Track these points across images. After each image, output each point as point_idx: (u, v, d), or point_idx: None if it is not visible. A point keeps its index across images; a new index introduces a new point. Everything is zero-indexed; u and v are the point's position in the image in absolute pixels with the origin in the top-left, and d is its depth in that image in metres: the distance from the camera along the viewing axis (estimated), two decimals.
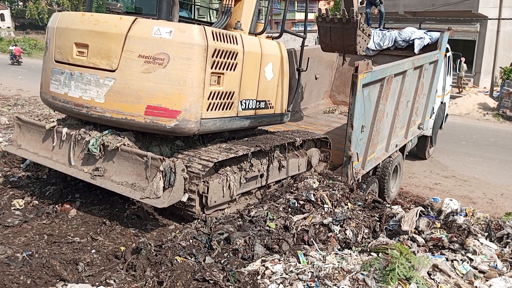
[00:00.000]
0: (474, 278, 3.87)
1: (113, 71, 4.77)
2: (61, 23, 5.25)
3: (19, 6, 60.59)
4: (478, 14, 23.09)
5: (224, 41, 4.96)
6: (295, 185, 6.04)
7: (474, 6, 22.77)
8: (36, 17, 54.33)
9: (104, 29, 4.84)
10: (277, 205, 5.34)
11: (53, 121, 5.56)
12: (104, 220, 5.02)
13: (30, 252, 4.21)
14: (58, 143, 5.33)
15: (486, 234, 4.82)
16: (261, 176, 5.74)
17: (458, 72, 12.91)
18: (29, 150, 5.66)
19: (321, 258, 4.07)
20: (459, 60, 12.37)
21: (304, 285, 3.56)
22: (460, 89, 22.51)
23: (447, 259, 4.16)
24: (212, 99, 4.96)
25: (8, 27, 53.96)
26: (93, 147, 4.89)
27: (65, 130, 5.26)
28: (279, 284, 3.59)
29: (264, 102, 5.92)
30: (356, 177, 6.62)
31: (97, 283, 3.71)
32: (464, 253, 4.34)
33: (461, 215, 5.22)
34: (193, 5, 7.79)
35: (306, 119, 9.28)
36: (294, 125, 8.38)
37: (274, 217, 4.98)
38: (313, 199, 5.46)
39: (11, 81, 19.22)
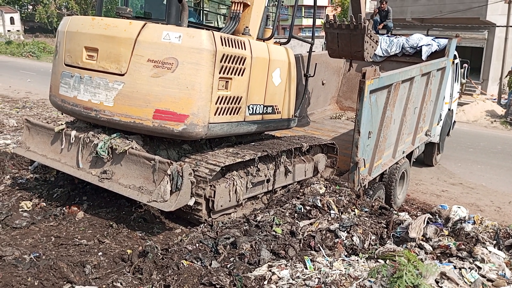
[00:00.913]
0: (483, 287, 3.84)
1: (122, 75, 4.80)
2: (71, 27, 5.30)
3: (29, 10, 61.28)
4: (486, 21, 23.02)
5: (232, 46, 4.98)
6: (301, 190, 6.03)
7: (482, 13, 22.71)
8: (45, 20, 54.85)
9: (113, 33, 4.88)
10: (283, 210, 5.33)
11: (62, 124, 5.60)
12: (111, 223, 5.04)
13: (37, 254, 4.24)
14: (66, 145, 5.37)
15: (494, 242, 4.78)
16: (268, 181, 5.74)
17: (466, 79, 12.85)
18: (37, 152, 5.70)
19: (328, 264, 4.05)
20: (467, 67, 12.33)
21: None
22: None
23: (455, 267, 4.13)
24: (219, 103, 4.98)
25: (18, 31, 54.52)
26: (101, 150, 4.92)
27: (73, 133, 5.30)
28: None
29: (271, 107, 5.92)
30: (363, 183, 6.59)
31: (104, 286, 3.73)
32: (472, 261, 4.30)
33: (469, 222, 5.18)
34: (201, 11, 7.86)
35: (312, 125, 9.28)
36: (300, 131, 8.38)
37: (280, 222, 4.97)
38: (319, 204, 5.44)
39: (20, 84, 19.39)
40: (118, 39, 4.83)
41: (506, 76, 22.68)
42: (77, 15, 37.26)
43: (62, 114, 7.97)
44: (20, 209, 5.34)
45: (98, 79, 4.95)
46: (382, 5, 11.02)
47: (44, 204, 5.52)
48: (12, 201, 5.51)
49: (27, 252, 4.22)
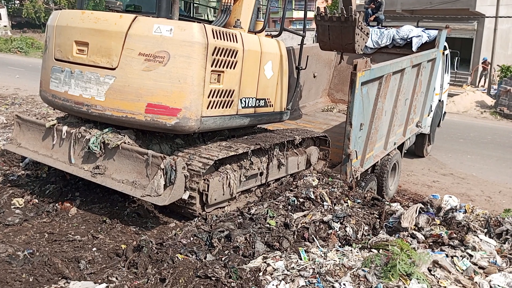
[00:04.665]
0: (474, 274, 3.90)
1: (114, 69, 4.77)
2: (61, 21, 5.24)
3: (16, 5, 60.35)
4: (476, 12, 23.16)
5: (224, 39, 4.97)
6: (294, 183, 6.05)
7: (471, 4, 22.84)
8: (33, 15, 54.06)
9: (104, 27, 4.84)
10: (277, 202, 5.36)
11: (53, 120, 5.55)
12: (105, 218, 5.02)
13: (31, 251, 4.21)
14: (58, 141, 5.33)
15: (485, 230, 4.85)
16: (261, 174, 5.76)
17: (456, 70, 12.95)
18: (29, 149, 5.65)
19: (322, 255, 4.09)
20: (457, 58, 12.41)
21: (305, 282, 3.58)
22: None
23: (447, 255, 4.19)
24: (212, 97, 4.97)
25: (5, 26, 53.64)
26: (93, 145, 4.89)
27: (65, 128, 5.26)
28: (280, 281, 3.61)
29: (263, 100, 5.93)
30: (355, 175, 6.64)
31: (99, 281, 3.72)
32: (463, 249, 4.37)
33: (460, 211, 5.25)
34: (191, 4, 7.81)
35: (304, 117, 9.30)
36: (292, 124, 8.40)
37: (274, 214, 4.99)
38: (312, 196, 5.47)
39: (8, 80, 19.12)
40: (109, 33, 4.79)
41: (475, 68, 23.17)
42: (65, 9, 36.74)
43: (54, 110, 7.89)
44: (12, 206, 5.30)
45: (89, 73, 4.91)
46: None
47: (37, 200, 5.48)
48: (4, 198, 5.46)
49: (21, 249, 4.19)
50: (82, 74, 4.96)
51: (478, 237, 4.61)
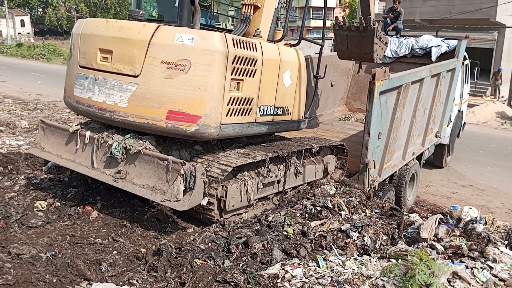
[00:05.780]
0: (495, 286, 3.85)
1: (136, 76, 4.88)
2: (85, 30, 5.39)
3: (39, 13, 62.00)
4: (496, 22, 22.92)
5: (244, 48, 5.04)
6: (311, 191, 6.06)
7: (491, 14, 22.62)
8: (55, 23, 55.52)
9: (128, 35, 4.96)
10: (294, 210, 5.37)
11: (77, 125, 5.69)
12: (125, 222, 5.11)
13: (53, 252, 4.31)
14: (81, 146, 5.45)
15: (506, 242, 4.78)
16: (278, 181, 5.78)
17: (476, 80, 12.79)
18: (52, 153, 5.79)
19: (341, 263, 4.09)
20: (477, 68, 12.27)
21: None
22: None
23: (466, 267, 4.14)
24: (231, 104, 5.03)
25: (28, 33, 55.23)
26: (115, 150, 4.99)
27: (88, 133, 5.38)
28: None
29: (282, 109, 5.97)
30: (373, 184, 6.61)
31: (120, 283, 3.79)
32: (483, 261, 4.31)
33: (480, 223, 5.18)
34: (212, 13, 7.93)
35: (322, 126, 9.30)
36: (310, 132, 8.41)
37: (292, 222, 5.01)
38: (330, 205, 5.48)
39: (31, 86, 19.60)
40: (132, 41, 4.91)
41: (492, 77, 22.91)
42: (87, 17, 37.62)
43: (78, 115, 8.07)
44: (35, 209, 5.43)
45: (113, 80, 5.03)
46: (395, 5, 10.97)
47: (59, 204, 5.60)
48: (27, 201, 5.60)
49: (43, 251, 4.30)
50: (105, 81, 5.09)
51: (499, 249, 4.54)
